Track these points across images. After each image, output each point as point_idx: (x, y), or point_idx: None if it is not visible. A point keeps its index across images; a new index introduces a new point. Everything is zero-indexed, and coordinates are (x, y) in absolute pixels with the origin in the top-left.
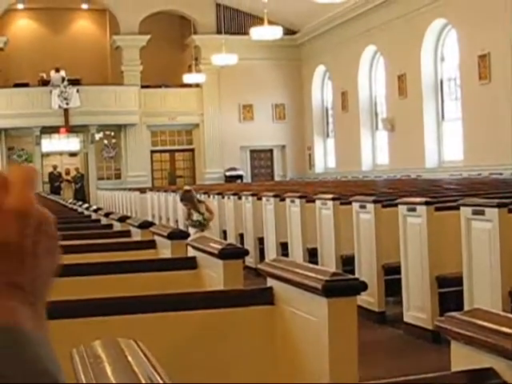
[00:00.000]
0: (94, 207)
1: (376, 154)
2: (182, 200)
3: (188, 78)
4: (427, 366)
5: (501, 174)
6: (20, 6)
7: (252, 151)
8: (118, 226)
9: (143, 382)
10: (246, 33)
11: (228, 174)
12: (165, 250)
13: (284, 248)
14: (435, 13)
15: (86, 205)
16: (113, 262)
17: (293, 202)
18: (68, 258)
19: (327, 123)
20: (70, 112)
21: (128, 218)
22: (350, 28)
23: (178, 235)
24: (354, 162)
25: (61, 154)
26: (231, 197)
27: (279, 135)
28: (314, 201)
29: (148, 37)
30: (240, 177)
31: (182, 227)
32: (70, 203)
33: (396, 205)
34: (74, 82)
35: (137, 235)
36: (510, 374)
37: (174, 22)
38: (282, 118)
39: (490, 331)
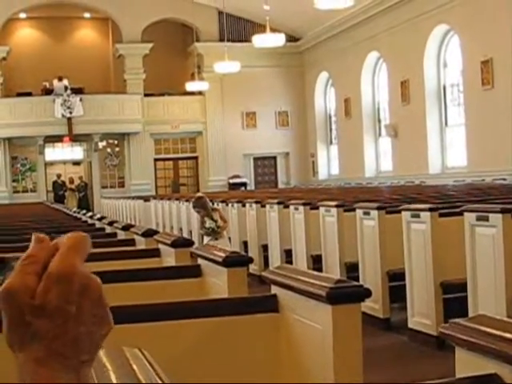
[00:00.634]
0: (98, 216)
1: (379, 161)
2: (194, 207)
3: (191, 86)
4: (432, 372)
5: (504, 179)
6: (22, 16)
7: (255, 158)
8: (122, 235)
9: None
10: (248, 40)
11: (232, 181)
12: (169, 258)
13: (288, 255)
14: (438, 19)
15: (90, 213)
16: (117, 270)
17: (297, 209)
18: None
19: (330, 130)
20: (74, 121)
21: (132, 226)
22: (352, 34)
23: (182, 243)
24: (358, 169)
25: (64, 162)
26: (235, 204)
27: (282, 142)
28: (317, 208)
29: (151, 45)
30: (244, 184)
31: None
32: (74, 212)
33: (400, 211)
34: (77, 91)
35: (141, 244)
36: None
37: (177, 30)
38: (285, 125)
39: (494, 337)
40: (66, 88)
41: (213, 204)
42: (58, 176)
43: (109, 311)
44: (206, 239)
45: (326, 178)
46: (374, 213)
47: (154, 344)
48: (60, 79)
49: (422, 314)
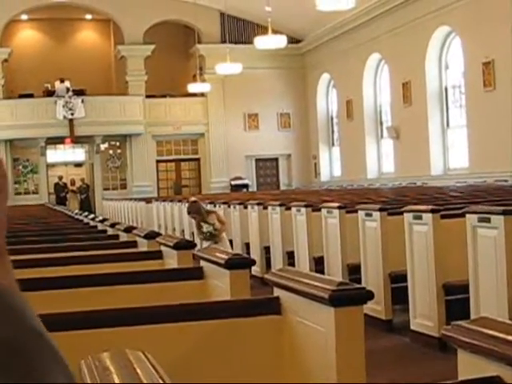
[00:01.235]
0: (100, 218)
1: (381, 162)
2: (189, 213)
3: (193, 88)
4: (434, 373)
5: (506, 180)
6: (24, 17)
7: (257, 160)
8: (124, 237)
9: None
10: (250, 42)
11: (234, 183)
12: (171, 260)
13: (290, 257)
14: (439, 20)
15: (92, 215)
16: (119, 272)
17: (299, 210)
18: (75, 269)
19: (332, 132)
20: (75, 122)
21: (134, 228)
22: (354, 36)
23: (184, 245)
24: (360, 171)
25: (66, 164)
26: (237, 206)
27: (284, 144)
28: (319, 209)
29: (152, 46)
30: (246, 186)
31: (188, 237)
32: (76, 214)
33: (402, 213)
34: (79, 93)
35: (143, 246)
36: None
37: (179, 32)
38: (287, 127)
39: (496, 340)
40: (67, 90)
41: (214, 206)
42: (60, 178)
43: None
44: (205, 244)
45: (327, 180)
46: (376, 214)
47: (157, 346)
48: (62, 81)
49: (424, 315)
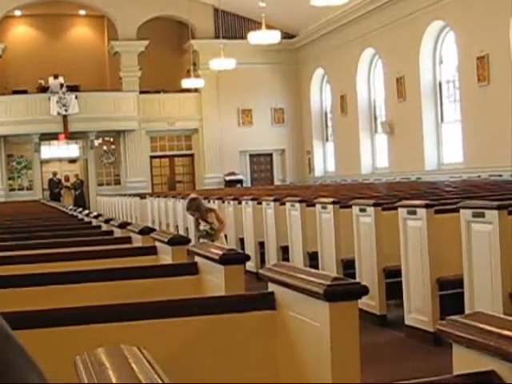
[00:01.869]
0: (95, 213)
1: (375, 157)
2: (188, 209)
3: (186, 83)
4: (429, 368)
5: (500, 175)
6: (17, 13)
7: (251, 155)
8: (118, 233)
9: None
10: (244, 37)
11: (228, 178)
12: (166, 255)
13: (284, 252)
14: (433, 15)
15: (86, 211)
16: (114, 268)
17: (293, 206)
18: (69, 265)
19: (326, 127)
20: (69, 118)
21: (129, 224)
22: (348, 31)
23: (178, 241)
24: (354, 166)
25: (60, 160)
26: (231, 201)
27: (278, 139)
28: (314, 205)
29: (146, 42)
30: (240, 181)
31: (182, 233)
32: (70, 210)
33: (396, 208)
34: (73, 89)
35: (137, 241)
36: None
37: (172, 28)
38: (281, 122)
39: (491, 334)
40: (61, 85)
41: (209, 202)
42: (54, 174)
43: None
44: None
45: (322, 175)
46: (371, 209)
47: (151, 342)
48: (56, 77)
49: (418, 310)
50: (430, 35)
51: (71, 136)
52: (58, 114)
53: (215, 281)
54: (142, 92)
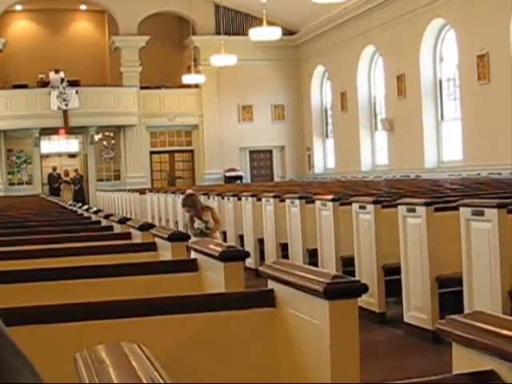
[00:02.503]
0: (94, 209)
1: (375, 155)
2: (184, 205)
3: (187, 79)
4: (428, 366)
5: (500, 173)
6: (18, 8)
7: (251, 152)
8: (118, 228)
9: None
10: (245, 33)
11: (227, 174)
12: (165, 252)
13: (284, 249)
14: (434, 13)
15: (86, 206)
16: (113, 264)
17: (292, 202)
18: (68, 261)
19: (326, 124)
20: (69, 113)
21: (128, 219)
22: (348, 28)
23: (178, 237)
24: (354, 163)
25: (60, 155)
26: (231, 198)
27: (278, 136)
28: (313, 202)
29: (147, 38)
30: (239, 178)
31: (181, 229)
32: (70, 205)
33: (396, 205)
34: (73, 83)
35: (137, 237)
36: (511, 375)
37: (173, 23)
38: (282, 119)
39: (490, 334)
40: (62, 80)
41: (208, 198)
42: (54, 168)
43: None
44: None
45: (321, 172)
46: (370, 207)
47: (151, 338)
48: (56, 71)
49: (417, 308)
50: (430, 33)
51: (71, 131)
52: (59, 108)
53: (215, 277)
54: (142, 87)
